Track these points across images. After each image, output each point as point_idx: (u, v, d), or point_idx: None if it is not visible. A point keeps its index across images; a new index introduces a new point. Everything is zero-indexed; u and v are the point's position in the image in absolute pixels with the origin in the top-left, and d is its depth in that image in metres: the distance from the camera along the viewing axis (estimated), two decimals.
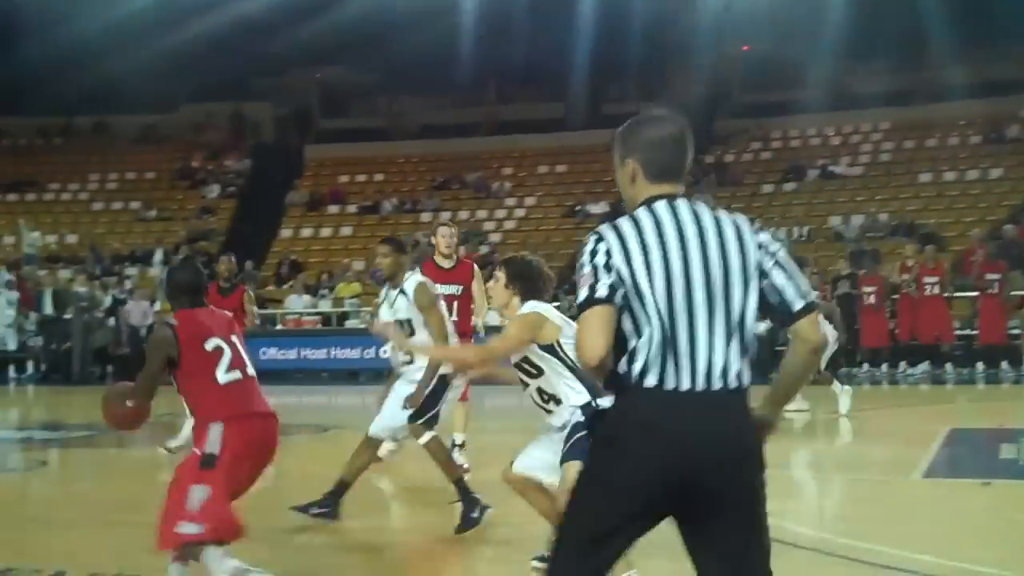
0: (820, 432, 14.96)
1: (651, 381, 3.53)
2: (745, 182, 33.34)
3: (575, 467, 6.16)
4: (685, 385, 3.52)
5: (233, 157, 38.04)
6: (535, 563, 6.42)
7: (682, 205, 3.69)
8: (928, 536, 7.55)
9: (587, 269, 3.59)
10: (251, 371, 6.22)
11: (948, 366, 21.78)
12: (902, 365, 22.05)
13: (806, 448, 13.10)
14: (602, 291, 3.54)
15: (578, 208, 32.64)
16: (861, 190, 31.28)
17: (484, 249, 30.71)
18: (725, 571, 3.61)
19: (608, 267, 3.56)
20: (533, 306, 6.46)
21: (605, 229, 3.65)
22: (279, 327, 26.55)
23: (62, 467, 12.61)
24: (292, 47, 35.19)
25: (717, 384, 3.53)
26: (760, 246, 3.66)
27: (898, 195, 30.61)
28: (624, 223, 3.65)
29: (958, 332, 22.75)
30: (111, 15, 31.63)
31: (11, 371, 25.73)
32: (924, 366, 21.82)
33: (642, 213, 3.67)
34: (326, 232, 34.09)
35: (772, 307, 3.66)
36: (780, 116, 35.24)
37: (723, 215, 3.71)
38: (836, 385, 15.16)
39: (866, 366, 22.34)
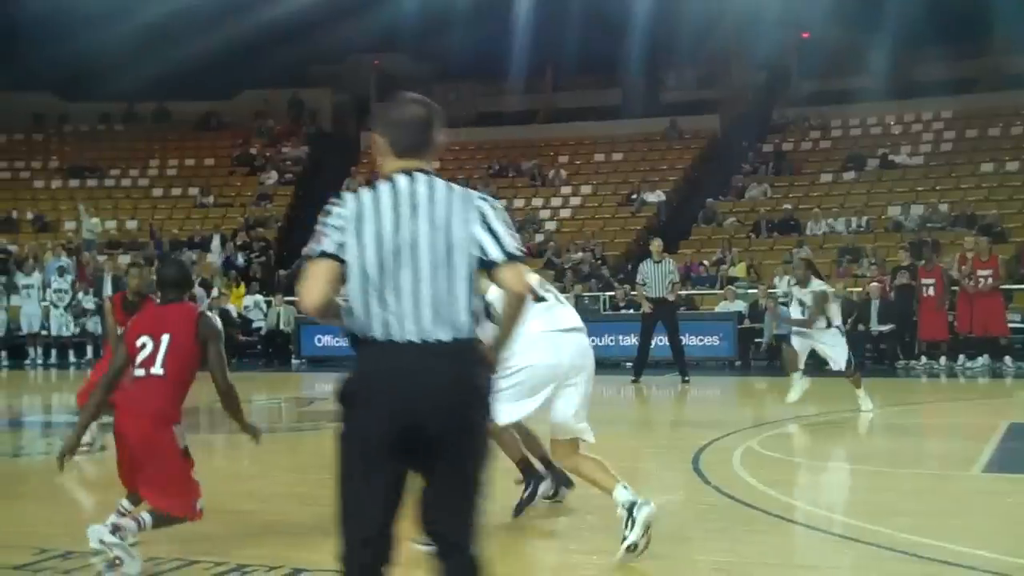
0: (878, 427, 14.81)
1: (379, 335, 3.98)
2: (804, 171, 33.10)
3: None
4: (409, 337, 3.95)
5: (291, 144, 38.26)
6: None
7: (420, 178, 4.13)
8: (987, 531, 7.46)
9: (321, 228, 4.08)
10: (158, 371, 6.55)
11: (1007, 359, 21.47)
12: (961, 358, 21.80)
13: (865, 443, 12.98)
14: (328, 247, 4.03)
15: (634, 196, 32.51)
16: (922, 180, 30.97)
17: (539, 238, 30.71)
18: (437, 503, 3.99)
19: (340, 228, 4.03)
20: None
21: (347, 195, 4.12)
22: None
23: None
24: (351, 34, 35.30)
25: (439, 336, 3.95)
26: (479, 211, 4.11)
27: (959, 185, 30.27)
28: (364, 192, 4.11)
29: (1020, 325, 22.45)
30: (172, 2, 31.90)
31: (71, 355, 26.06)
32: (983, 359, 21.54)
33: (383, 184, 4.12)
34: None
35: (480, 262, 4.07)
36: (840, 104, 34.96)
37: (455, 188, 4.15)
38: (798, 379, 14.48)
39: (924, 359, 22.12)
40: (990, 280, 21.46)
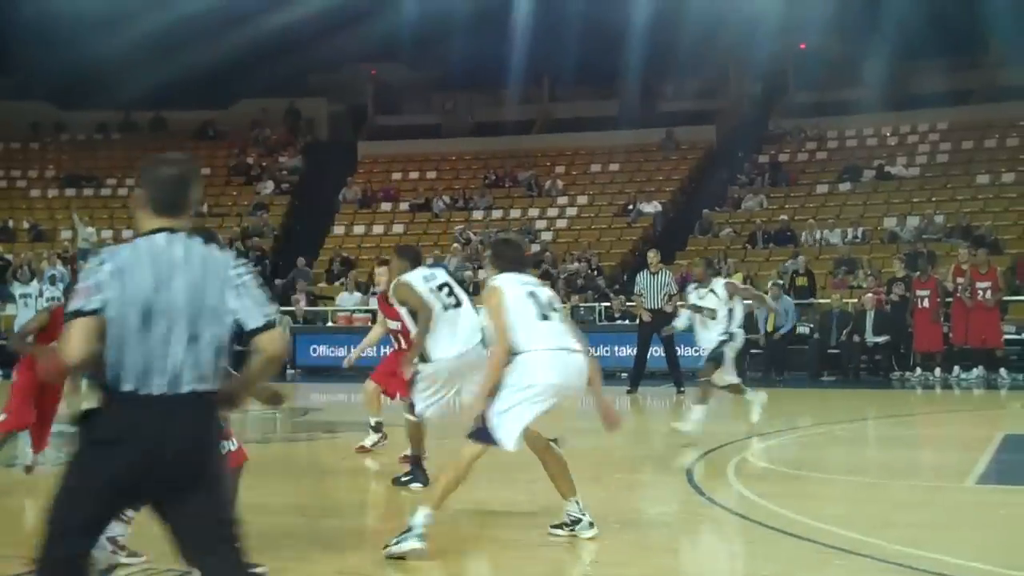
0: (872, 438, 14.83)
1: (126, 387, 4.20)
2: (800, 182, 33.13)
3: (470, 447, 7.00)
4: (154, 391, 4.20)
5: (288, 153, 38.27)
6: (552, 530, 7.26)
7: (177, 238, 4.36)
8: (981, 543, 7.46)
9: (83, 285, 4.28)
10: None
11: (1002, 371, 21.48)
12: (956, 369, 21.80)
13: (859, 454, 12.98)
14: (91, 305, 4.22)
15: (631, 207, 32.53)
16: (917, 191, 31.01)
17: (535, 248, 30.71)
18: (194, 543, 4.29)
19: (100, 286, 4.24)
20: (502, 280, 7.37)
21: (108, 252, 4.36)
22: (330, 324, 26.66)
23: None
24: (348, 44, 35.32)
25: (183, 389, 4.22)
26: (234, 277, 4.37)
27: (955, 196, 30.29)
28: (124, 248, 4.37)
29: (1015, 337, 22.47)
30: (169, 12, 31.94)
31: None
32: (978, 371, 21.55)
33: (142, 241, 4.37)
34: (378, 229, 34.20)
35: (237, 326, 4.36)
36: (836, 115, 34.98)
37: (211, 250, 4.41)
38: (749, 392, 13.54)
39: (919, 370, 22.13)
40: (989, 293, 21.46)
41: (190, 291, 4.28)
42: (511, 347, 7.07)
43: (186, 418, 4.25)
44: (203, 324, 4.29)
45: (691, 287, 14.08)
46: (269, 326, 4.39)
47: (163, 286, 4.26)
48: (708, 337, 13.14)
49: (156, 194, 4.43)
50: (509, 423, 6.94)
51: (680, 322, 14.28)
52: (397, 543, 6.78)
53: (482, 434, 6.98)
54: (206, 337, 4.29)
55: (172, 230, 4.38)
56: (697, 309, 13.21)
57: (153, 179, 4.46)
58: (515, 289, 7.23)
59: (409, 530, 6.80)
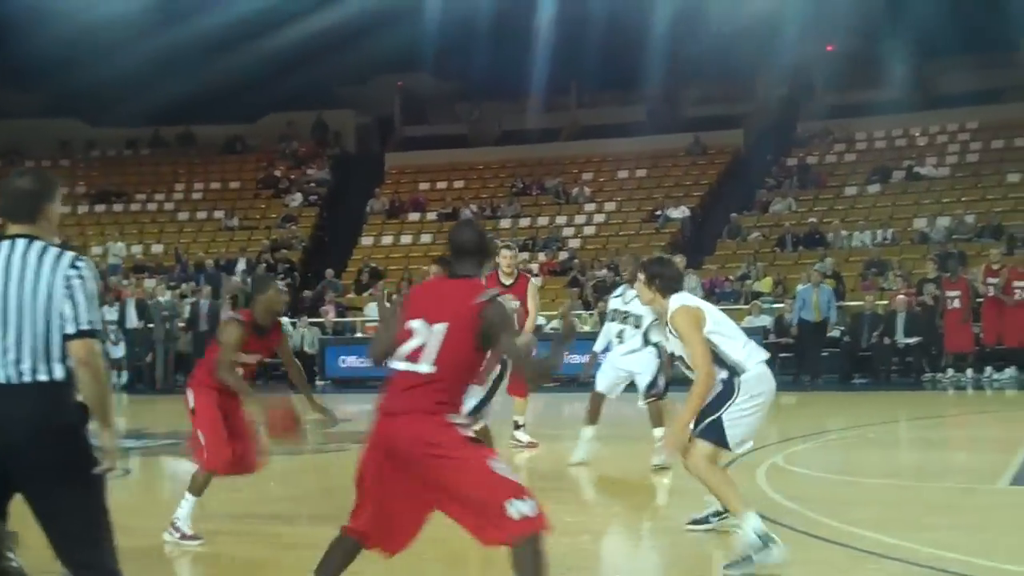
0: (904, 440, 14.74)
1: None
2: (829, 184, 32.98)
3: (701, 446, 6.94)
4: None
5: (315, 166, 38.40)
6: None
7: (21, 242, 4.65)
8: (1014, 545, 7.39)
9: None
10: (424, 369, 5.15)
11: None
12: (988, 370, 21.66)
13: (890, 456, 12.91)
14: None
15: (659, 213, 32.46)
16: (948, 191, 30.81)
17: (563, 255, 30.71)
18: (51, 530, 4.51)
19: None
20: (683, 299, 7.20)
21: None
22: (359, 335, 26.69)
23: (145, 475, 12.77)
24: (374, 56, 35.44)
25: (23, 379, 4.48)
26: (66, 279, 4.58)
27: (985, 196, 30.10)
28: None
29: None
30: (196, 28, 32.15)
31: None
32: (1011, 371, 21.39)
33: None
34: (406, 239, 34.26)
35: (61, 327, 4.55)
36: (864, 116, 34.80)
37: (50, 252, 4.63)
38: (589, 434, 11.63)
39: (951, 371, 21.98)
40: None
41: (25, 290, 4.55)
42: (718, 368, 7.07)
43: (23, 408, 4.48)
44: (37, 321, 4.54)
45: (618, 290, 11.85)
46: (80, 334, 4.55)
47: (2, 286, 4.56)
48: (639, 358, 11.47)
49: (4, 204, 4.76)
50: (741, 429, 7.07)
51: (599, 343, 11.96)
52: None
53: (712, 430, 6.99)
54: (41, 332, 4.53)
55: (19, 236, 4.67)
56: (624, 317, 11.36)
57: (4, 191, 4.79)
58: (711, 307, 7.35)
59: (754, 550, 6.69)
